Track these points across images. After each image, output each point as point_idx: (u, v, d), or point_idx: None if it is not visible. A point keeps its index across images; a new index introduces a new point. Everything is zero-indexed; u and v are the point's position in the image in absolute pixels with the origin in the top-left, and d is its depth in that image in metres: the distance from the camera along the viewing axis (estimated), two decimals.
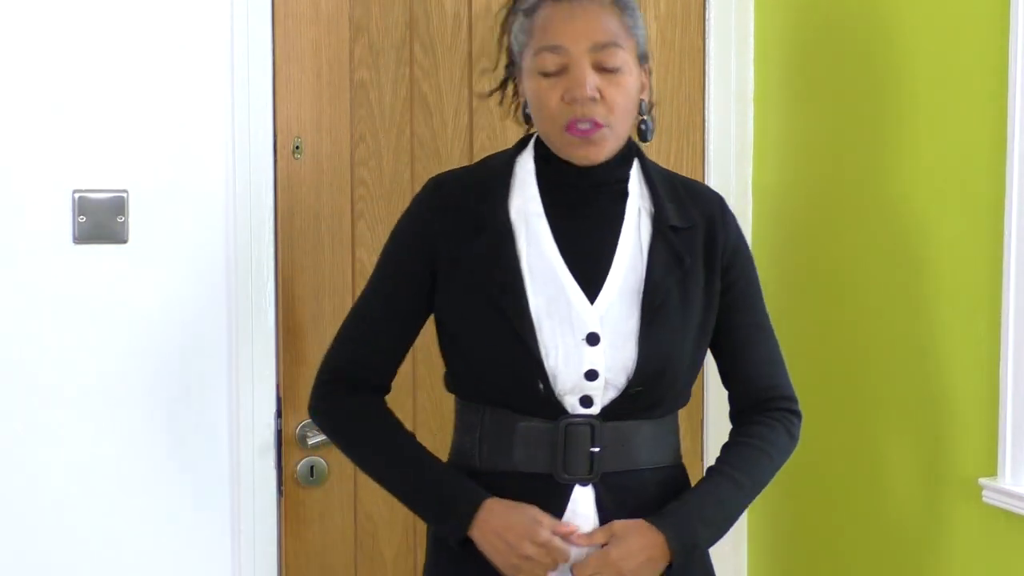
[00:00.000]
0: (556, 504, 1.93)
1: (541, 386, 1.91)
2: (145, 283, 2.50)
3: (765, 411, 2.05)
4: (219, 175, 2.54)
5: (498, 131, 2.70)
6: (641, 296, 1.94)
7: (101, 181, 2.47)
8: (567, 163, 1.96)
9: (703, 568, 2.05)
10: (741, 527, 2.87)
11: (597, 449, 1.93)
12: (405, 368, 2.66)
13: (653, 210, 1.99)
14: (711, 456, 2.78)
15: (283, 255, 2.60)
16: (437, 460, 2.01)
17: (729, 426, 2.12)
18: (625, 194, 1.99)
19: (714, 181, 2.83)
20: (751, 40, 2.83)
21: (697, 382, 2.79)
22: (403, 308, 2.03)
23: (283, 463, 2.62)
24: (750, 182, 2.85)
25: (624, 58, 1.90)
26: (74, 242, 2.46)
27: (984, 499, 2.23)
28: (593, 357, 1.92)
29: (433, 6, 2.66)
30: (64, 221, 2.45)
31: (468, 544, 1.95)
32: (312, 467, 2.63)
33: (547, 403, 1.92)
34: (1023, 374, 2.16)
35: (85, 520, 2.49)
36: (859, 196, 2.54)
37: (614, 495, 1.94)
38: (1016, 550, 2.20)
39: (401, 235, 2.06)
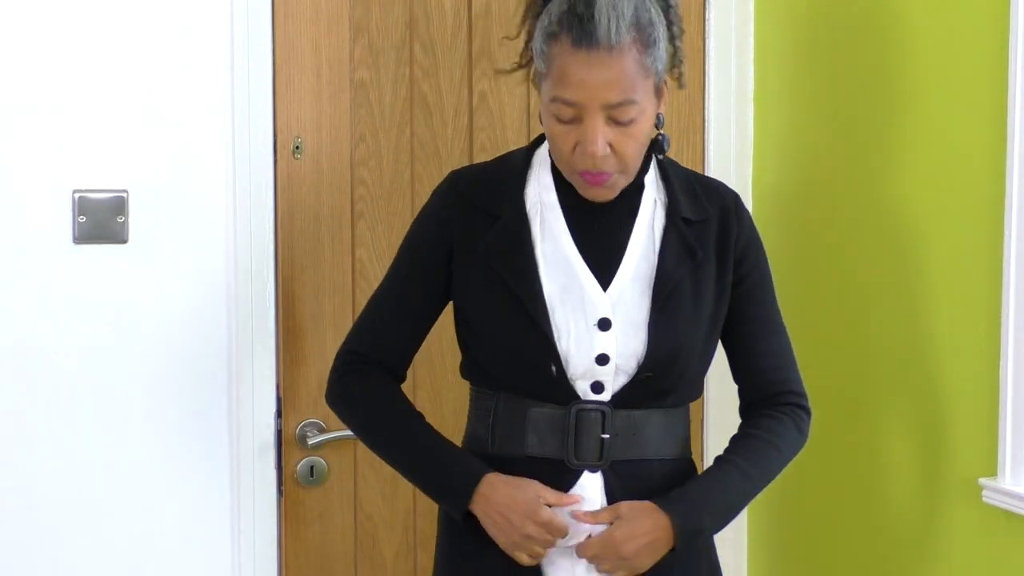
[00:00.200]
0: (564, 490, 1.96)
1: (554, 369, 1.94)
2: (145, 283, 2.50)
3: (774, 405, 2.07)
4: (219, 175, 2.54)
5: (498, 131, 2.70)
6: (653, 285, 1.97)
7: (101, 181, 2.47)
8: None
9: (708, 558, 2.06)
10: (741, 526, 2.87)
11: (607, 436, 1.95)
12: None
13: (668, 202, 2.02)
14: (711, 453, 2.80)
15: (283, 255, 2.60)
16: (442, 438, 2.03)
17: (731, 423, 2.13)
18: (641, 187, 2.01)
19: None
20: (751, 40, 2.83)
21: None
22: (419, 297, 2.07)
23: (283, 463, 2.62)
24: (750, 182, 2.85)
25: (639, 109, 1.89)
26: (74, 242, 2.46)
27: (984, 499, 2.23)
28: (604, 342, 1.95)
29: (433, 6, 2.66)
30: (64, 221, 2.45)
31: (472, 519, 1.97)
32: (312, 467, 2.63)
33: (559, 388, 1.95)
34: (1023, 374, 2.16)
35: (85, 520, 2.49)
36: (859, 196, 2.54)
37: (623, 482, 1.97)
38: (1016, 550, 2.20)
39: (420, 225, 2.10)
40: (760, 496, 2.84)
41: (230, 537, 2.58)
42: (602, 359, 1.95)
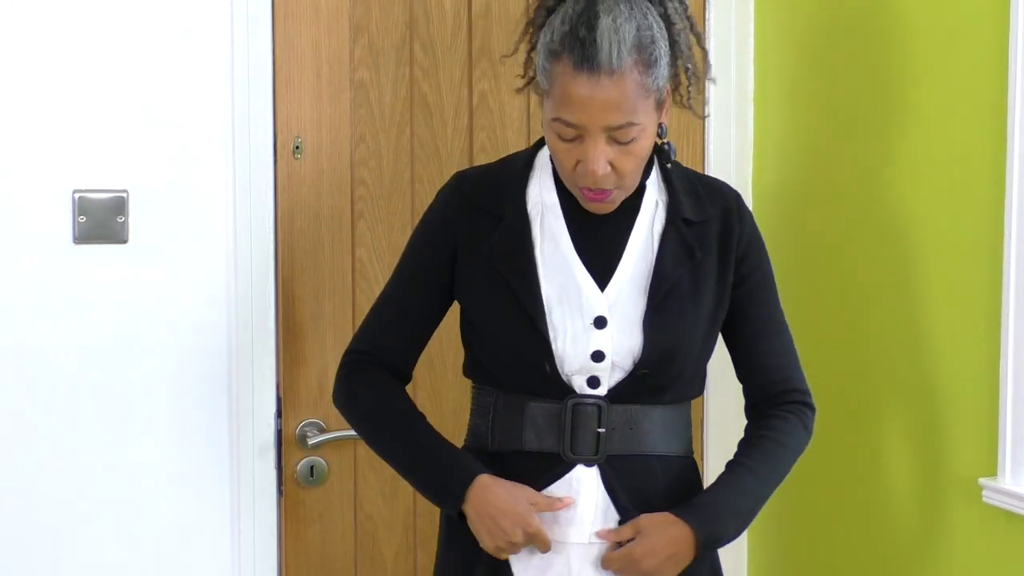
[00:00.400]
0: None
1: (547, 367, 1.96)
2: (145, 283, 2.50)
3: (779, 404, 2.08)
4: (219, 175, 2.54)
5: (498, 131, 2.70)
6: (649, 284, 1.98)
7: (101, 181, 2.47)
8: None
9: (710, 558, 2.07)
10: None
11: (603, 430, 1.97)
12: None
13: (669, 203, 2.03)
14: (711, 452, 2.80)
15: (283, 255, 2.60)
16: (442, 439, 2.05)
17: (731, 421, 2.13)
18: (642, 189, 2.03)
19: None
20: (751, 40, 2.83)
21: None
22: (424, 297, 2.09)
23: (283, 463, 2.62)
24: (750, 182, 2.85)
25: (640, 129, 1.90)
26: (74, 242, 2.46)
27: (984, 499, 2.23)
28: (600, 340, 1.97)
29: (433, 6, 2.66)
30: (64, 221, 2.45)
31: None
32: (312, 467, 2.63)
33: (555, 384, 1.97)
34: (1023, 374, 2.16)
35: (85, 520, 2.49)
36: (859, 196, 2.54)
37: (620, 477, 1.98)
38: (1016, 550, 2.20)
39: (424, 226, 2.12)
40: None
41: (230, 537, 2.58)
42: (597, 356, 1.97)
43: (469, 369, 2.10)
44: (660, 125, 1.97)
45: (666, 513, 1.95)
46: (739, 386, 2.15)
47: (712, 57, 2.82)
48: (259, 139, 2.56)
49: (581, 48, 1.85)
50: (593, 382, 1.98)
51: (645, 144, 1.93)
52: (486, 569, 2.00)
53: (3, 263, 2.42)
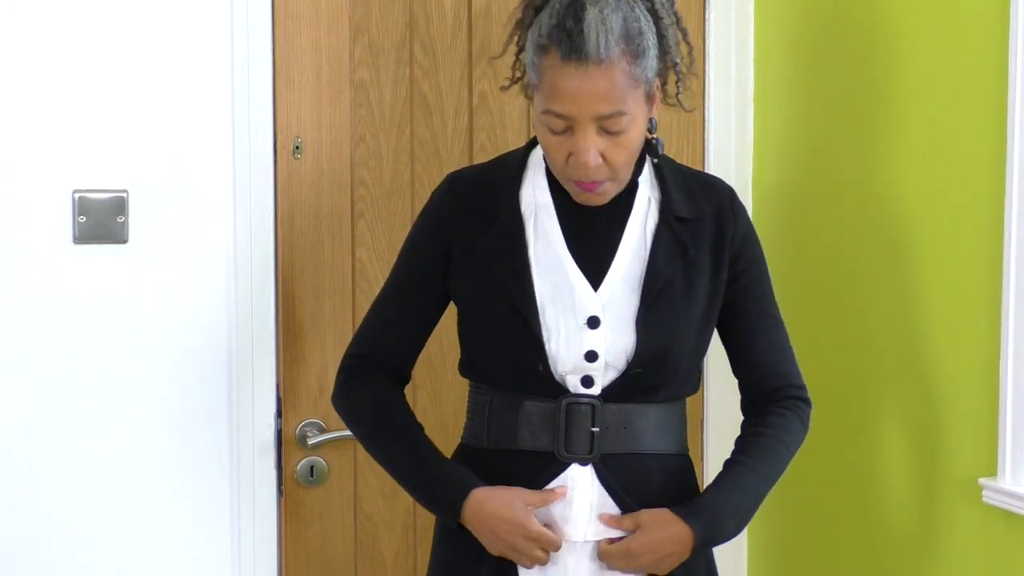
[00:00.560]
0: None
1: (541, 367, 1.96)
2: (145, 283, 2.50)
3: (776, 400, 2.09)
4: (219, 175, 2.54)
5: (498, 131, 2.70)
6: (642, 282, 1.99)
7: (101, 181, 2.47)
8: None
9: (706, 556, 2.07)
10: None
11: (597, 429, 1.97)
12: None
13: (661, 200, 2.03)
14: (711, 451, 2.80)
15: (283, 255, 2.60)
16: (435, 450, 2.06)
17: (731, 421, 2.13)
18: (635, 187, 2.03)
19: None
20: (751, 40, 2.82)
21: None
22: (418, 298, 2.10)
23: (283, 463, 2.62)
24: (750, 182, 2.85)
25: (629, 119, 1.91)
26: (74, 242, 2.46)
27: (984, 499, 2.23)
28: (593, 339, 1.97)
29: (433, 6, 2.66)
30: (64, 221, 2.45)
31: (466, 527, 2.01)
32: (312, 467, 2.63)
33: (549, 383, 1.98)
34: (1023, 374, 2.16)
35: (85, 520, 2.49)
36: (859, 196, 2.54)
37: (615, 475, 1.99)
38: (1016, 550, 2.20)
39: (419, 227, 2.13)
40: None
41: (230, 537, 2.58)
42: (591, 355, 1.97)
43: (465, 367, 2.11)
44: (650, 120, 1.98)
45: (666, 510, 1.96)
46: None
47: (712, 57, 2.83)
48: (259, 139, 2.56)
49: (569, 39, 1.86)
50: (587, 381, 1.98)
51: (635, 136, 1.93)
52: (490, 568, 2.00)
53: (3, 263, 2.42)
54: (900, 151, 2.44)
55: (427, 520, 2.67)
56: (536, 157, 2.06)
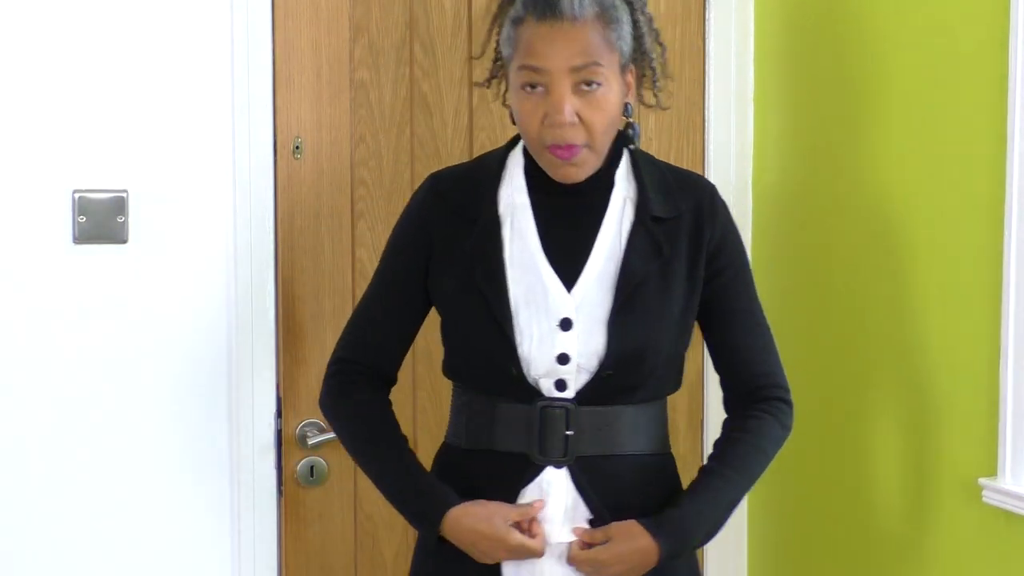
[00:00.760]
0: (528, 483, 2.00)
1: (514, 370, 1.97)
2: (145, 283, 2.50)
3: (756, 402, 2.08)
4: (219, 175, 2.54)
5: (498, 131, 2.70)
6: (616, 283, 1.98)
7: (101, 181, 2.47)
8: None
9: (688, 561, 2.07)
10: (741, 528, 2.87)
11: (571, 432, 1.98)
12: (405, 368, 2.66)
13: (637, 200, 2.03)
14: (709, 452, 2.80)
15: (283, 255, 2.60)
16: (414, 466, 2.07)
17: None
18: (611, 185, 2.03)
19: (714, 181, 2.82)
20: (751, 40, 2.82)
21: (697, 378, 2.80)
22: (402, 299, 2.11)
23: (283, 463, 2.62)
24: (750, 182, 2.85)
25: (605, 75, 1.93)
26: (74, 242, 2.46)
27: (984, 499, 2.23)
28: (565, 342, 1.97)
29: (433, 6, 2.66)
30: (64, 221, 2.45)
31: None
32: (312, 467, 2.63)
33: (523, 387, 1.98)
34: (1023, 374, 2.16)
35: (85, 520, 2.49)
36: (859, 196, 2.54)
37: (591, 478, 1.99)
38: (1016, 550, 2.20)
39: (400, 229, 2.14)
40: (761, 500, 2.85)
41: (230, 537, 2.58)
42: (563, 358, 1.97)
43: (446, 368, 2.12)
44: (626, 105, 1.99)
45: (635, 522, 1.96)
46: None
47: (712, 57, 2.83)
48: (259, 139, 2.56)
49: (544, 3, 1.91)
50: (560, 385, 1.98)
51: (611, 99, 1.94)
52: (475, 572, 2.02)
53: (3, 263, 2.42)
54: (900, 151, 2.44)
55: None
56: (516, 157, 2.07)
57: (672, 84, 2.12)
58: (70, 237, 2.46)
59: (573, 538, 1.99)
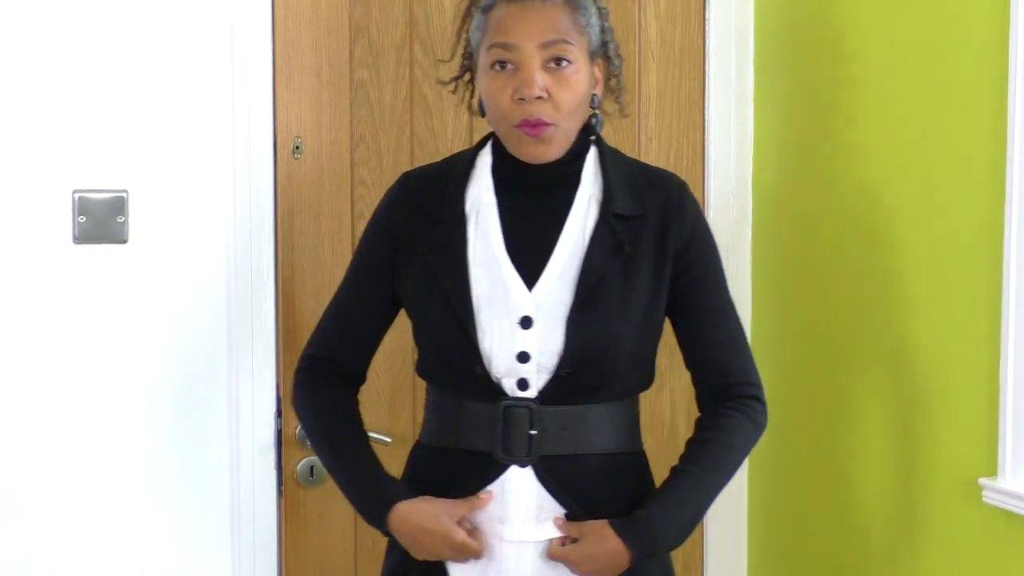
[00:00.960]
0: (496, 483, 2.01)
1: (477, 368, 1.98)
2: (145, 283, 2.50)
3: (727, 400, 2.06)
4: (219, 175, 2.54)
5: None
6: (576, 281, 1.99)
7: (101, 181, 2.47)
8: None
9: (660, 561, 2.07)
10: (741, 528, 2.87)
11: (535, 432, 1.98)
12: (404, 368, 2.67)
13: (602, 198, 2.04)
14: None
15: (283, 255, 2.60)
16: (369, 460, 2.09)
17: None
18: (577, 183, 2.04)
19: (714, 181, 2.83)
20: (751, 40, 2.83)
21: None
22: (371, 297, 2.13)
23: (283, 463, 2.62)
24: (750, 182, 2.85)
25: (574, 54, 1.96)
26: (74, 242, 2.46)
27: (984, 499, 2.23)
28: (525, 340, 1.98)
29: (433, 6, 2.66)
30: (64, 221, 2.45)
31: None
32: (312, 467, 2.63)
33: (486, 386, 1.99)
34: (1023, 374, 2.16)
35: (85, 519, 2.49)
36: (859, 195, 2.54)
37: (555, 477, 1.99)
38: (1016, 550, 2.20)
39: (370, 228, 2.16)
40: (762, 500, 2.85)
41: (230, 537, 2.58)
42: (523, 356, 1.98)
43: (418, 367, 2.13)
44: (593, 96, 2.02)
45: (606, 523, 1.97)
46: None
47: (712, 57, 2.83)
48: (259, 139, 2.56)
49: None
50: (522, 384, 1.99)
51: (581, 80, 1.97)
52: (420, 572, 2.04)
53: (3, 263, 2.42)
54: (900, 151, 2.44)
55: None
56: (484, 156, 2.08)
57: (629, 96, 2.16)
58: (70, 237, 2.46)
59: (542, 537, 1.99)
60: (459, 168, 2.08)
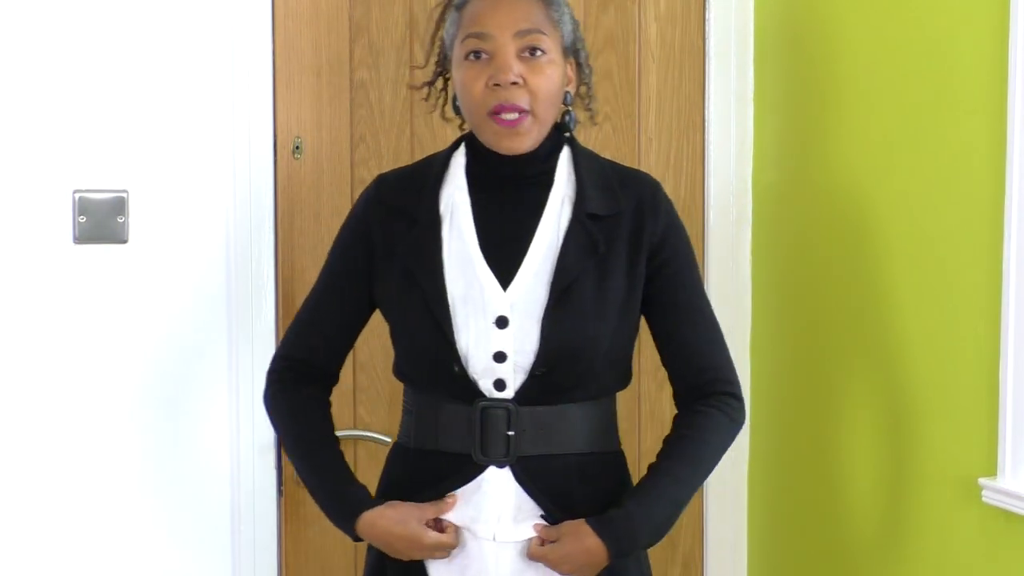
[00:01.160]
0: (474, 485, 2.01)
1: (456, 368, 1.98)
2: (145, 283, 2.50)
3: (703, 397, 2.06)
4: (219, 175, 2.54)
5: None
6: (550, 281, 1.99)
7: (101, 181, 2.47)
8: (495, 155, 2.02)
9: (636, 559, 2.06)
10: (741, 528, 2.87)
11: (512, 433, 1.98)
12: None
13: (575, 198, 2.04)
14: None
15: (283, 255, 2.60)
16: (338, 466, 2.10)
17: None
18: (551, 183, 2.04)
19: (714, 181, 2.83)
20: (751, 40, 2.83)
21: None
22: (345, 299, 2.12)
23: (283, 463, 2.62)
24: (750, 182, 2.85)
25: (548, 44, 1.98)
26: (74, 242, 2.46)
27: (984, 499, 2.23)
28: (501, 339, 1.98)
29: (433, 6, 2.65)
30: (64, 221, 2.45)
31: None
32: None
33: (464, 386, 1.99)
34: (1023, 374, 2.16)
35: (85, 520, 2.49)
36: (859, 195, 2.54)
37: (534, 477, 1.99)
38: (1016, 550, 2.20)
39: (345, 229, 2.15)
40: (762, 501, 2.85)
41: (230, 537, 2.58)
42: (499, 356, 1.98)
43: (395, 369, 2.12)
44: (566, 92, 2.04)
45: (583, 522, 1.96)
46: None
47: (712, 57, 2.83)
48: (259, 139, 2.56)
49: None
50: (499, 384, 1.98)
51: (555, 71, 1.99)
52: (396, 571, 2.04)
53: (3, 263, 2.42)
54: (900, 150, 2.44)
55: None
56: (459, 157, 2.08)
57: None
58: (70, 237, 2.46)
59: (521, 537, 1.99)
60: (434, 169, 2.09)
